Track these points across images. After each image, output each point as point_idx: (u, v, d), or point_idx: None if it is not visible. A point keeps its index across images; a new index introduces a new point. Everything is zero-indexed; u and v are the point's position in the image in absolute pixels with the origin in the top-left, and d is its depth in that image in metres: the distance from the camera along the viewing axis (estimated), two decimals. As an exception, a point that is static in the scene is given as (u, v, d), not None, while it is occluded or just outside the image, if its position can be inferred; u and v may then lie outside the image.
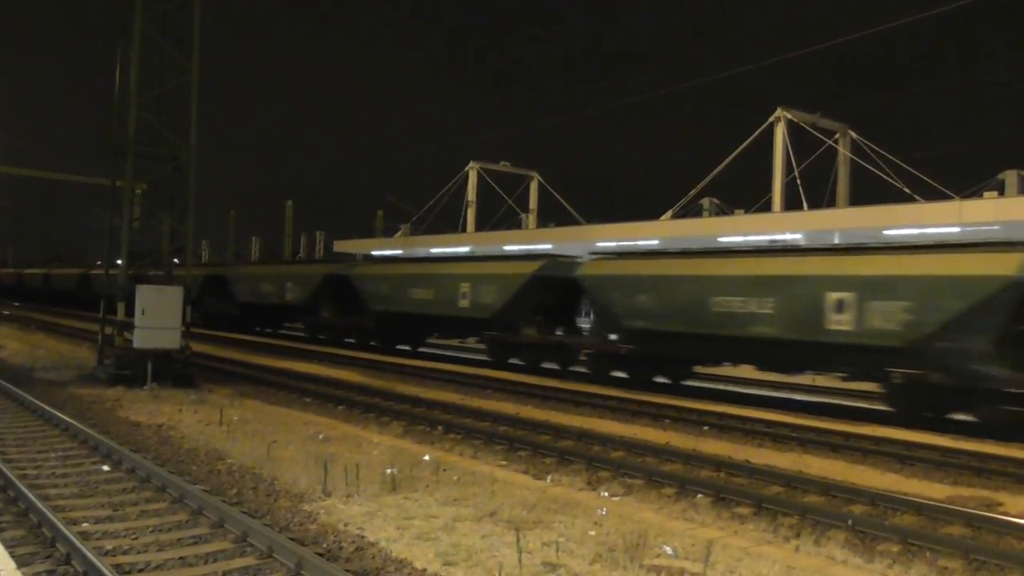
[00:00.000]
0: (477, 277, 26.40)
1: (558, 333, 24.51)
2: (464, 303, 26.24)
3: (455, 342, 35.61)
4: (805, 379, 23.31)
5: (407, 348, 31.82)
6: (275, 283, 37.10)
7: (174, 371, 18.08)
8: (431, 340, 34.16)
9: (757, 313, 17.96)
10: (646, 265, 21.78)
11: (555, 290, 24.10)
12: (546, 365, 24.67)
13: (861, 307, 16.19)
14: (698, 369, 23.35)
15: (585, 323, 26.94)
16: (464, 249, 42.83)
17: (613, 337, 21.88)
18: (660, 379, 21.99)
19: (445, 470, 10.40)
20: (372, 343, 31.73)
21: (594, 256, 24.52)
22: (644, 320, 20.60)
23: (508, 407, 16.94)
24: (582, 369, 23.65)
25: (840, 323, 16.47)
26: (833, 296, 16.62)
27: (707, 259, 20.75)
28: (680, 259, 21.51)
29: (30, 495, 7.93)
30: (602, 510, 8.74)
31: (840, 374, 19.59)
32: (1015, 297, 14.60)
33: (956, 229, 24.72)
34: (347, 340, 32.93)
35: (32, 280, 71.54)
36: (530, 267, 24.91)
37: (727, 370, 24.03)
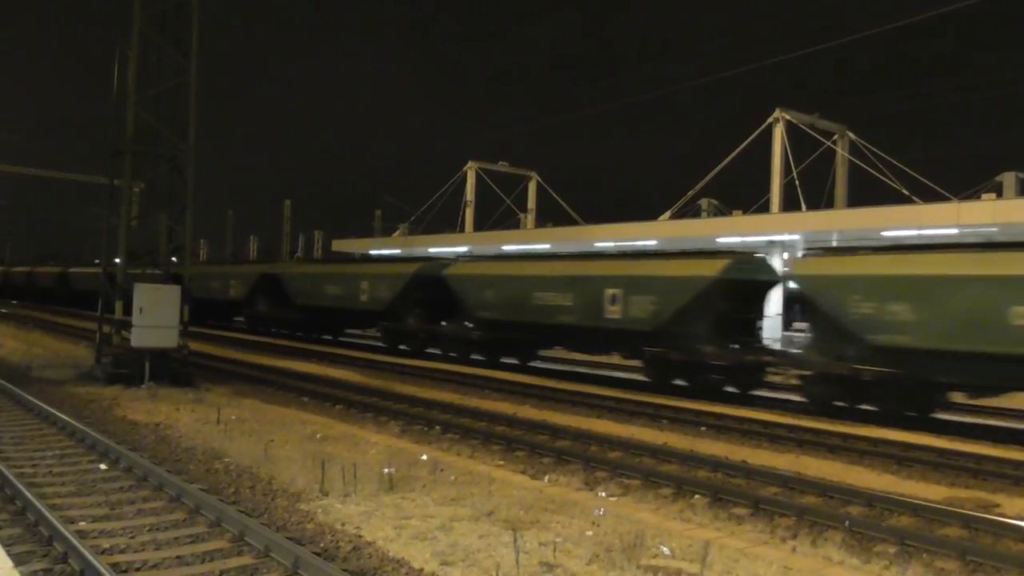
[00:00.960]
0: (373, 276, 31.01)
1: (442, 324, 28.22)
2: (364, 298, 30.78)
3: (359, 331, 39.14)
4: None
5: (329, 337, 36.34)
6: (221, 281, 41.31)
7: (172, 370, 18.06)
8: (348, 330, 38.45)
9: (563, 305, 22.69)
10: (490, 266, 26.84)
11: (432, 287, 27.93)
12: (431, 351, 28.74)
13: (626, 300, 20.91)
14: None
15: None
16: (462, 249, 42.72)
17: (469, 325, 26.54)
18: (509, 360, 26.32)
19: (443, 470, 10.40)
20: (298, 333, 36.18)
21: (459, 258, 29.61)
22: (489, 311, 25.32)
23: (506, 407, 16.94)
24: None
25: (613, 312, 21.16)
26: (609, 291, 21.30)
27: (532, 262, 26.26)
28: (513, 262, 27.09)
29: (27, 493, 7.92)
30: (599, 510, 8.74)
31: (619, 354, 24.17)
32: (717, 292, 19.33)
33: (954, 231, 24.74)
34: (280, 331, 37.36)
35: (18, 278, 74.77)
36: (412, 267, 29.96)
37: (595, 357, 27.69)
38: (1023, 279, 14.51)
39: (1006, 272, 14.78)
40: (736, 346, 19.63)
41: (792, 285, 21.23)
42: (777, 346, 22.94)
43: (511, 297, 24.43)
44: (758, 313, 20.87)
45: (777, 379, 21.59)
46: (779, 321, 26.20)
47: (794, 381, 19.68)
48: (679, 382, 20.40)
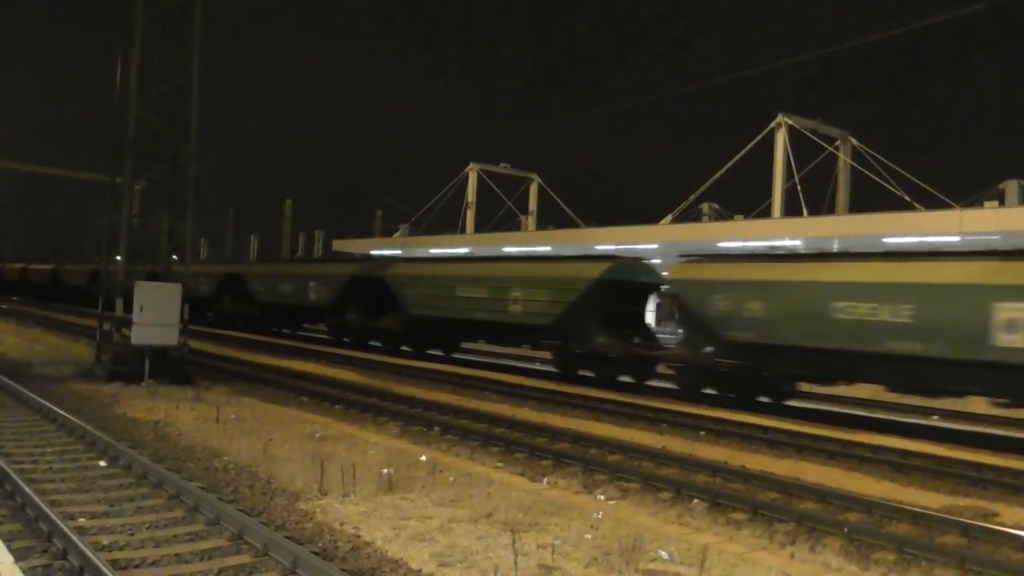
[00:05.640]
0: (531, 280, 24.32)
1: (635, 342, 22.24)
2: (517, 308, 24.20)
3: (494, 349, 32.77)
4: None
5: (438, 353, 30.38)
6: (297, 283, 34.42)
7: (171, 368, 18.06)
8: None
9: (892, 323, 15.61)
10: (755, 269, 18.99)
11: (627, 295, 22.51)
12: (621, 379, 22.64)
13: None
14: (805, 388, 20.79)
15: (660, 332, 25.14)
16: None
17: (709, 350, 19.56)
18: (763, 399, 19.41)
19: (441, 471, 10.41)
20: (404, 347, 30.10)
21: (684, 258, 21.95)
22: (752, 331, 18.14)
23: (505, 409, 16.94)
24: (658, 384, 22.10)
25: (1013, 340, 14.24)
26: (1004, 310, 14.34)
27: (832, 263, 18.27)
28: (801, 263, 19.15)
29: (27, 489, 7.92)
30: (598, 513, 8.75)
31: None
32: None
33: (955, 239, 24.76)
34: (380, 344, 31.07)
35: (39, 276, 76.68)
36: (595, 270, 22.83)
37: (841, 390, 21.45)
38: None
39: None
40: None
41: None
42: None
43: (796, 311, 17.30)
44: None
45: None
46: None
47: None
48: None
